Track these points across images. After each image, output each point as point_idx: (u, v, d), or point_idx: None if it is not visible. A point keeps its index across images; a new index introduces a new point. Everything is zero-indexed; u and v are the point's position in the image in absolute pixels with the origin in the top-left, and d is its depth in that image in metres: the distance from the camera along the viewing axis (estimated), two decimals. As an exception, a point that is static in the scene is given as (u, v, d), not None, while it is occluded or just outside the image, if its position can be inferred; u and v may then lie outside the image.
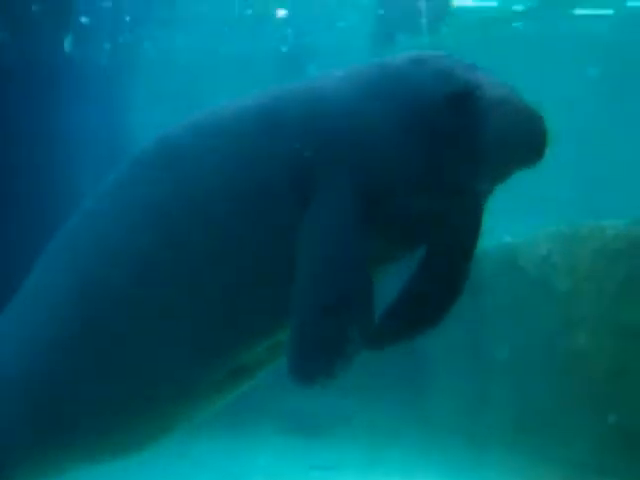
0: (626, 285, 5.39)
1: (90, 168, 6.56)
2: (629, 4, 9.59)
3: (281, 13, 8.40)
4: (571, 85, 9.07)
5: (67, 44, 7.49)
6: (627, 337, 5.39)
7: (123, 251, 3.09)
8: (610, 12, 9.83)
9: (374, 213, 2.80)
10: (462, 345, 6.41)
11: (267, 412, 6.70)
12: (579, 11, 9.76)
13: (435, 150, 2.79)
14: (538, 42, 9.54)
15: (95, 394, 3.16)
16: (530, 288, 6.02)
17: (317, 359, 2.76)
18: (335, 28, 8.65)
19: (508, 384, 6.01)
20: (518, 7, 9.45)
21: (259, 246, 2.90)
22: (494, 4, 9.29)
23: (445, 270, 3.00)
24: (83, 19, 7.57)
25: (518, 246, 6.24)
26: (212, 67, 7.81)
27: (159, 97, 7.53)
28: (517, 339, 6.07)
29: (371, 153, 2.83)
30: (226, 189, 2.95)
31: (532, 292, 5.99)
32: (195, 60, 8.26)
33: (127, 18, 7.80)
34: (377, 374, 6.20)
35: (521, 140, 2.74)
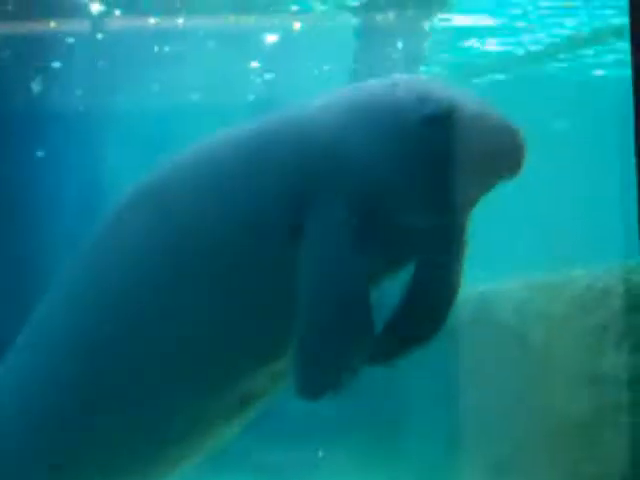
0: (600, 335, 5.40)
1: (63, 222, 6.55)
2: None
3: (254, 64, 8.46)
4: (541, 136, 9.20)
5: (37, 89, 7.51)
6: (602, 387, 5.38)
7: (121, 297, 3.11)
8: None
9: (366, 234, 2.88)
10: (434, 393, 6.38)
11: (231, 461, 6.62)
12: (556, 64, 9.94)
13: (419, 169, 2.88)
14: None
15: (102, 431, 3.16)
16: (504, 337, 6.01)
17: (323, 374, 2.84)
18: (309, 78, 8.71)
19: (480, 433, 5.98)
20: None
21: (257, 277, 2.95)
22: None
23: (435, 284, 3.12)
24: (56, 64, 7.60)
25: (492, 295, 6.24)
26: (183, 114, 7.81)
27: (132, 144, 7.52)
28: (491, 388, 6.05)
29: (359, 178, 2.90)
30: (220, 224, 3.00)
31: (506, 341, 5.99)
32: (167, 107, 8.26)
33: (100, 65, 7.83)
34: (343, 424, 6.18)
35: (500, 152, 2.84)
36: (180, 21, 7.33)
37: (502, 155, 2.83)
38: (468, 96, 2.95)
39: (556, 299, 5.64)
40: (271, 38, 8.07)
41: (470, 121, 2.84)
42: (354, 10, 7.12)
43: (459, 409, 6.15)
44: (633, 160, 1.93)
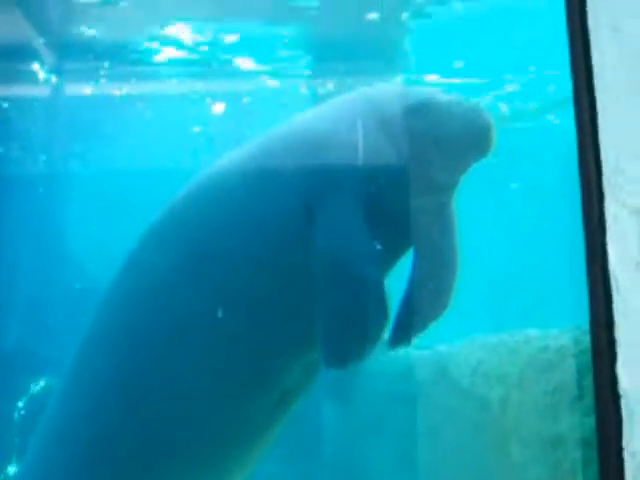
0: (556, 396, 5.43)
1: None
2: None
3: (196, 129, 8.51)
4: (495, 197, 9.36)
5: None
6: (559, 448, 5.39)
7: (167, 307, 3.39)
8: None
9: (372, 221, 3.31)
10: (392, 455, 6.34)
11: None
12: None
13: (407, 154, 3.34)
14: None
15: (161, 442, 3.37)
16: (462, 399, 6.02)
17: (346, 347, 3.27)
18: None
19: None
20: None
21: (281, 274, 3.30)
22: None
23: (435, 264, 3.60)
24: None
25: (449, 356, 6.26)
26: (144, 178, 7.83)
27: (91, 212, 7.53)
28: (448, 448, 6.03)
29: (363, 168, 3.32)
30: (247, 229, 3.36)
31: (464, 403, 5.99)
32: (125, 172, 8.28)
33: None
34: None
35: (471, 133, 3.37)
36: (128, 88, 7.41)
37: (473, 135, 3.35)
38: (441, 92, 3.49)
39: (511, 360, 5.68)
40: (219, 106, 8.17)
41: (444, 108, 3.38)
42: (307, 77, 7.24)
43: (418, 472, 6.11)
44: (580, 221, 1.98)
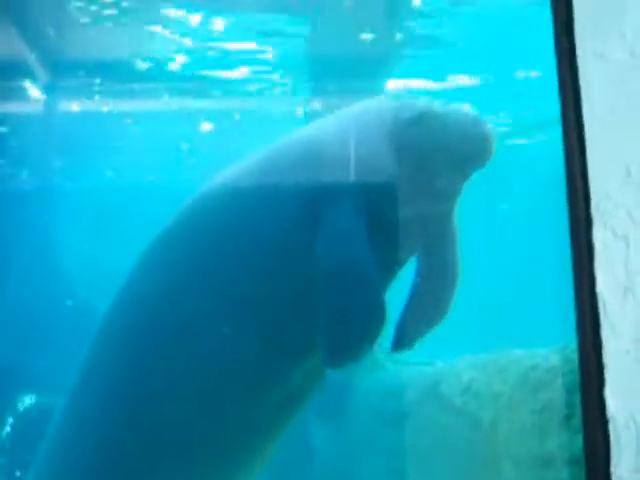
0: (545, 414, 5.43)
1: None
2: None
3: (185, 146, 8.53)
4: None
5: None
6: (550, 467, 5.39)
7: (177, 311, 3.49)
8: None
9: (373, 227, 3.40)
10: (384, 475, 6.33)
11: None
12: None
13: (406, 163, 3.49)
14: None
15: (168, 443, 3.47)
16: (453, 417, 6.02)
17: (344, 348, 3.32)
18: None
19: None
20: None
21: (285, 279, 3.41)
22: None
23: (437, 270, 3.71)
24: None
25: (440, 374, 6.26)
26: (134, 194, 7.84)
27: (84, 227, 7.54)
28: (439, 467, 6.02)
29: (364, 178, 3.42)
30: (254, 234, 3.46)
31: (455, 421, 5.99)
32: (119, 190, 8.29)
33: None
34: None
35: (471, 141, 3.45)
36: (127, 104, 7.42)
37: (472, 143, 3.43)
38: (438, 102, 3.62)
39: (502, 379, 5.68)
40: (207, 124, 8.18)
41: (444, 117, 3.48)
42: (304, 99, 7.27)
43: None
44: (568, 240, 2.00)
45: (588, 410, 1.91)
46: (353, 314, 3.32)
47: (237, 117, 7.98)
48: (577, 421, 5.50)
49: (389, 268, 3.55)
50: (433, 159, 3.48)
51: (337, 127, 3.66)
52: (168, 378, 3.48)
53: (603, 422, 1.86)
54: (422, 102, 3.67)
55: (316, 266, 3.31)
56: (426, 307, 3.83)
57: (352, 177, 3.44)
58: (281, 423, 3.65)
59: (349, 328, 3.34)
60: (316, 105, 7.26)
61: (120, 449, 3.53)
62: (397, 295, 3.86)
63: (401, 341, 3.85)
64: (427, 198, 3.50)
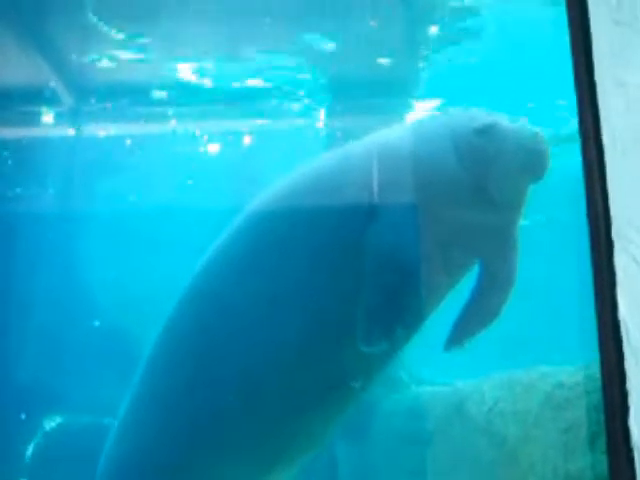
0: (572, 433, 5.39)
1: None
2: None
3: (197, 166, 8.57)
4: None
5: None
6: (576, 486, 5.35)
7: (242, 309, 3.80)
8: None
9: (428, 227, 3.64)
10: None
11: None
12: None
13: (470, 172, 3.76)
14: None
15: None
16: (478, 436, 5.99)
17: (380, 328, 3.55)
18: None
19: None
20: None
21: (342, 271, 3.66)
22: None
23: (494, 283, 3.98)
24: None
25: (465, 392, 6.24)
26: (157, 217, 7.88)
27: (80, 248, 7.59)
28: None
29: (427, 176, 3.74)
30: (319, 231, 3.74)
31: (480, 440, 5.96)
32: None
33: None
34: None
35: (531, 156, 3.73)
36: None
37: (531, 158, 3.70)
38: (505, 117, 3.91)
39: (527, 397, 5.65)
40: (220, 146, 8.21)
41: (508, 131, 3.76)
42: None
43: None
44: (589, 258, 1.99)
45: (612, 437, 1.90)
46: (395, 298, 3.58)
47: (255, 138, 8.02)
48: (603, 441, 5.45)
49: (446, 268, 3.86)
50: (494, 168, 3.77)
51: (408, 130, 4.02)
52: (244, 363, 3.81)
53: (628, 448, 1.86)
54: (491, 115, 3.95)
55: (371, 252, 3.58)
56: (481, 311, 4.11)
57: (415, 176, 3.74)
58: (332, 405, 3.98)
59: (388, 309, 3.58)
60: (340, 124, 7.29)
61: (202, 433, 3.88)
62: (455, 298, 4.22)
63: (454, 340, 4.15)
64: (486, 205, 3.78)
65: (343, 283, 3.73)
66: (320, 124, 7.52)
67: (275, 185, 4.09)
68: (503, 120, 3.92)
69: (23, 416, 6.59)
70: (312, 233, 3.79)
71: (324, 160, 4.08)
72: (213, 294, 3.97)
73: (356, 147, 4.06)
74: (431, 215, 3.71)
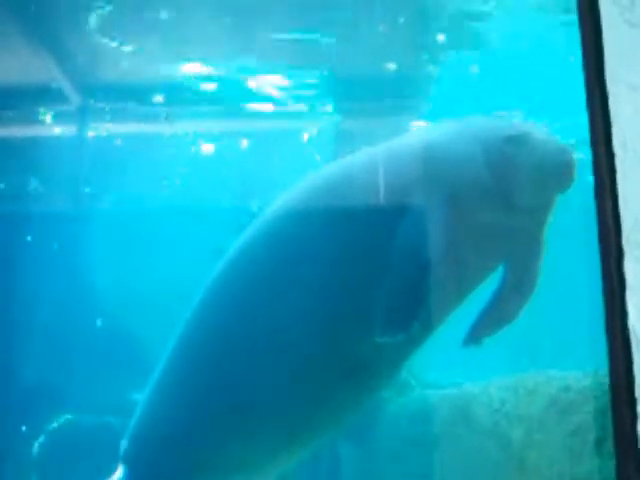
0: (577, 438, 5.38)
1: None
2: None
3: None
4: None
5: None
6: (581, 490, 5.33)
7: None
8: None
9: (458, 225, 3.80)
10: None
11: None
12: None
13: (500, 177, 3.89)
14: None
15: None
16: (484, 438, 5.97)
17: (400, 319, 3.71)
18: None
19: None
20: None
21: (370, 262, 3.81)
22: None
23: (517, 284, 4.12)
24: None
25: (471, 395, 6.22)
26: (158, 217, 7.89)
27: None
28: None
29: (456, 178, 3.88)
30: (353, 225, 3.88)
31: (486, 442, 5.94)
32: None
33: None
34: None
35: (558, 167, 3.87)
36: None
37: (558, 169, 3.83)
38: (536, 127, 4.09)
39: (533, 400, 5.63)
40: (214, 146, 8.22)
41: (536, 143, 3.88)
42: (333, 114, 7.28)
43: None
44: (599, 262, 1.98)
45: (620, 444, 1.89)
46: (415, 291, 3.73)
47: (256, 139, 8.01)
48: (609, 445, 5.43)
49: (469, 269, 4.02)
50: (521, 176, 3.90)
51: (439, 133, 4.19)
52: (266, 354, 4.00)
53: (636, 455, 1.84)
54: (523, 125, 4.15)
55: (394, 247, 3.74)
56: (500, 312, 4.27)
57: (443, 179, 3.89)
58: (354, 396, 4.20)
59: (407, 302, 3.74)
60: (341, 126, 7.30)
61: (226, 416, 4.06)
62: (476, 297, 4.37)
63: (473, 337, 4.30)
64: (512, 212, 3.92)
65: (368, 278, 3.86)
66: (323, 126, 7.52)
67: (300, 184, 4.26)
68: (535, 131, 4.05)
69: (28, 415, 6.60)
70: (340, 230, 3.94)
71: (353, 159, 4.23)
72: (241, 284, 4.12)
73: (385, 148, 4.21)
74: (458, 217, 3.86)
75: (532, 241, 4.08)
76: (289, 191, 4.28)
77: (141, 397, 4.49)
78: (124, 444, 4.54)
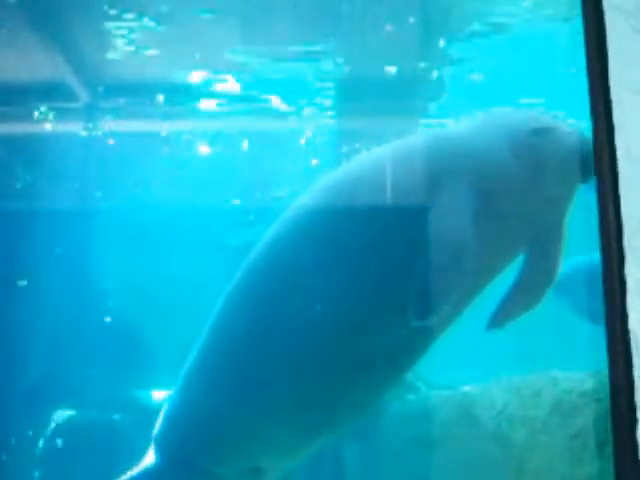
0: (579, 440, 5.37)
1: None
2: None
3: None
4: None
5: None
6: (583, 492, 5.32)
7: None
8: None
9: (482, 214, 3.92)
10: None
11: None
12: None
13: (526, 168, 4.01)
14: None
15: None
16: (486, 440, 5.97)
17: (432, 303, 3.83)
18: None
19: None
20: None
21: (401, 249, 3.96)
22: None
23: (538, 272, 4.24)
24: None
25: (474, 396, 6.21)
26: (164, 214, 7.90)
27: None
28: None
29: (483, 168, 4.01)
30: (385, 215, 4.01)
31: (488, 443, 5.94)
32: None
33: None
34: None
35: (580, 158, 3.94)
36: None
37: (581, 160, 3.90)
38: (563, 121, 4.20)
39: (536, 402, 5.62)
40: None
41: (562, 135, 4.01)
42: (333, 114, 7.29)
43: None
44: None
45: (620, 448, 1.89)
46: (447, 276, 3.88)
47: (257, 139, 8.02)
48: (611, 448, 5.43)
49: (494, 256, 4.13)
50: (546, 167, 4.04)
51: (468, 125, 4.31)
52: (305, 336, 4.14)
53: (635, 461, 1.85)
54: (551, 118, 4.25)
55: (426, 233, 3.91)
56: (523, 297, 4.39)
57: (471, 168, 4.03)
58: (382, 380, 4.45)
59: (441, 286, 3.89)
60: (342, 128, 7.31)
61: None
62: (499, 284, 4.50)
63: (496, 321, 4.41)
64: (536, 202, 4.06)
65: (399, 268, 4.01)
66: (323, 127, 7.53)
67: (327, 178, 4.40)
68: (562, 124, 4.18)
69: (32, 412, 6.62)
70: (371, 222, 4.07)
71: (380, 152, 4.34)
72: (271, 278, 4.24)
73: (413, 140, 4.41)
74: (484, 205, 3.98)
75: (555, 229, 4.20)
76: (317, 185, 4.43)
77: (175, 384, 4.60)
78: (155, 430, 4.65)
